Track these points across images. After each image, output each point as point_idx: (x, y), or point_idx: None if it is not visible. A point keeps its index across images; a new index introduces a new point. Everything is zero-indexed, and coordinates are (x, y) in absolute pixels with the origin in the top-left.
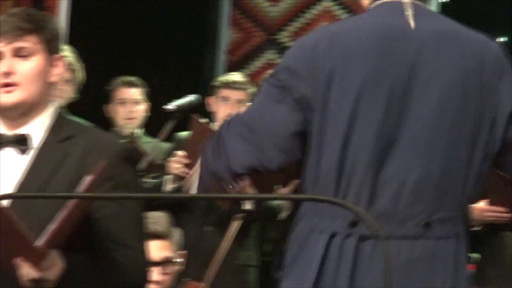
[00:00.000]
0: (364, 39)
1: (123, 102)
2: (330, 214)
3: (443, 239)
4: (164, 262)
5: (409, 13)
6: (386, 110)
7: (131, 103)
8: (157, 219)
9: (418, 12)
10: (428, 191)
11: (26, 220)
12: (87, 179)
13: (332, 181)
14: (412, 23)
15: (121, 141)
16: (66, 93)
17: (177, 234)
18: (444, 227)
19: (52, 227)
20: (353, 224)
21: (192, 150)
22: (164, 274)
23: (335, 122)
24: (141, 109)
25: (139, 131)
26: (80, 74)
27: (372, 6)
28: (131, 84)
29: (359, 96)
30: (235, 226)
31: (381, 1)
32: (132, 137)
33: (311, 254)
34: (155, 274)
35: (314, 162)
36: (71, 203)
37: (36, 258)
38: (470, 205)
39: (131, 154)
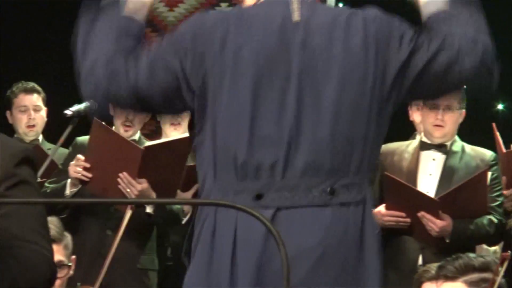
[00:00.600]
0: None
1: (23, 109)
2: (233, 190)
3: (351, 205)
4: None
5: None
6: (284, 92)
7: (31, 110)
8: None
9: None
10: (332, 157)
11: None
12: None
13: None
14: (296, 15)
15: (20, 143)
16: None
17: (68, 238)
18: (349, 193)
19: None
20: (258, 197)
21: (93, 153)
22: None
23: (235, 103)
24: (41, 116)
25: (40, 138)
26: None
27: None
28: (31, 91)
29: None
30: (127, 216)
31: None
32: (35, 144)
33: (223, 229)
34: None
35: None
36: None
37: None
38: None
39: (30, 156)
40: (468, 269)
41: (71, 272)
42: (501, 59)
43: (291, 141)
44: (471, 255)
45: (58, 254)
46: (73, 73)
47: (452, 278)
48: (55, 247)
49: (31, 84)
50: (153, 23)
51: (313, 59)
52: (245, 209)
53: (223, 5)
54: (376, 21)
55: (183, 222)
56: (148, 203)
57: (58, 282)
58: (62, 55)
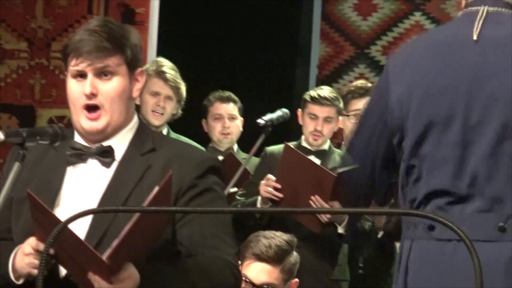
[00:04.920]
0: (421, 49)
1: (219, 117)
2: (412, 223)
3: None
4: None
5: (478, 22)
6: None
7: (226, 119)
8: None
9: (491, 20)
10: (503, 194)
11: (111, 232)
12: (154, 190)
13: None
14: (475, 32)
15: (207, 153)
16: (169, 110)
17: (289, 263)
18: None
19: (116, 241)
20: (431, 228)
21: (284, 174)
22: None
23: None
24: (236, 125)
25: (235, 147)
26: (184, 91)
27: (458, 15)
28: (226, 99)
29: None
30: None
31: (467, 10)
32: (230, 152)
33: (401, 259)
34: None
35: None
36: (135, 216)
37: (106, 271)
38: None
39: (215, 165)
40: None
41: None
42: None
43: None
44: None
45: (268, 274)
46: (269, 83)
47: None
48: (271, 269)
49: (227, 93)
50: (345, 32)
51: (482, 78)
52: (437, 218)
53: (417, 14)
54: None
55: (379, 236)
56: (336, 213)
57: None
58: (259, 66)
